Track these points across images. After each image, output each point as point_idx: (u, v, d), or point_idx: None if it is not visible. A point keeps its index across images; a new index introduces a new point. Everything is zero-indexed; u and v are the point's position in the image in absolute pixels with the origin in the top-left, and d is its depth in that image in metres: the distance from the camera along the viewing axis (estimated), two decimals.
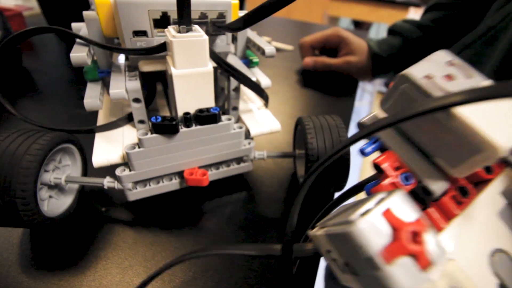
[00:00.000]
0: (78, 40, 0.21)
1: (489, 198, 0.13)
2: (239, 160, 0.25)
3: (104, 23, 0.20)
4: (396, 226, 0.09)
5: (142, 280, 0.15)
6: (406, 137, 0.13)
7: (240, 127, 0.23)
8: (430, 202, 0.12)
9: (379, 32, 2.04)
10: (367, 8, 1.79)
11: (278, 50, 0.61)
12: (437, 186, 0.12)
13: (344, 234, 0.09)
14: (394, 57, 0.48)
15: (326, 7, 1.84)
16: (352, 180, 0.16)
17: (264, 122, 0.26)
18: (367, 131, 0.10)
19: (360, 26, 1.97)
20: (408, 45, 0.47)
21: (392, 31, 0.50)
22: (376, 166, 0.13)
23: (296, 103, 0.42)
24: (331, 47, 0.50)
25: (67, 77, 0.43)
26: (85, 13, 0.20)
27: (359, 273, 0.10)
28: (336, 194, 0.26)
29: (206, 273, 0.20)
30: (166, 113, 0.27)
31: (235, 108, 0.26)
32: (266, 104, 0.27)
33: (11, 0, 0.70)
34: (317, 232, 0.12)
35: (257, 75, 0.25)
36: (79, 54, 0.19)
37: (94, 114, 0.26)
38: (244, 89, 0.28)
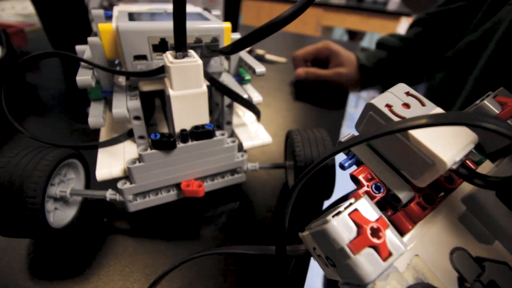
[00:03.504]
0: (82, 63, 0.22)
1: (451, 205, 0.15)
2: (233, 171, 0.27)
3: (107, 47, 0.22)
4: (360, 223, 0.11)
5: (155, 278, 0.17)
6: (378, 153, 0.15)
7: (233, 141, 0.25)
8: (399, 207, 0.14)
9: (372, 41, 2.09)
10: (359, 18, 1.83)
11: (271, 62, 0.63)
12: (404, 195, 0.13)
13: (322, 231, 0.11)
14: (380, 68, 0.50)
15: (319, 18, 1.89)
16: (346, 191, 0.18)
17: (256, 136, 0.28)
18: (340, 147, 0.12)
19: (354, 36, 2.02)
20: (393, 58, 0.50)
21: (379, 44, 0.53)
22: (353, 177, 0.14)
23: (288, 114, 0.44)
24: (322, 59, 0.53)
25: (67, 92, 0.45)
26: (89, 39, 0.22)
27: (336, 264, 0.11)
28: (326, 202, 0.27)
29: (201, 278, 0.21)
30: (164, 127, 0.29)
31: (229, 123, 0.28)
32: (258, 118, 0.29)
33: (12, 16, 0.72)
34: (304, 233, 0.14)
35: (249, 91, 0.27)
36: (84, 78, 0.21)
37: (96, 129, 0.27)
38: (237, 104, 0.30)
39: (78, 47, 0.27)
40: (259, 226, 0.26)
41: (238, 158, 0.26)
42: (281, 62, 0.63)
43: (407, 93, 0.14)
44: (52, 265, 0.21)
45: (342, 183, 0.28)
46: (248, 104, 0.26)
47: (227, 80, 0.27)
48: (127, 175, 0.23)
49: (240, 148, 0.27)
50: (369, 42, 2.10)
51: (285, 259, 0.15)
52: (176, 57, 0.20)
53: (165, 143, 0.21)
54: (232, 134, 0.29)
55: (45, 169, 0.20)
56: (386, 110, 0.13)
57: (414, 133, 0.12)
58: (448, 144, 0.12)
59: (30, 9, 0.74)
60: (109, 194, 0.23)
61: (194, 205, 0.27)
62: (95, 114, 0.22)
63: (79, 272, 0.21)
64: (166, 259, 0.22)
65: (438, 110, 0.14)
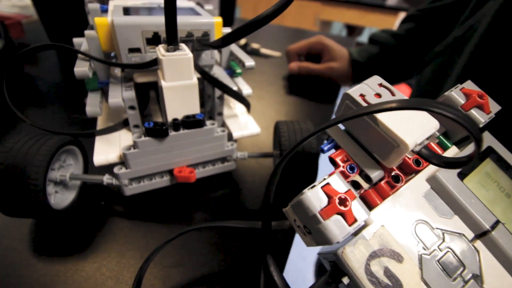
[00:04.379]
0: (80, 55, 0.24)
1: (417, 184, 0.16)
2: (223, 159, 0.29)
3: (103, 40, 0.24)
4: (330, 194, 0.13)
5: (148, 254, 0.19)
6: (353, 138, 0.17)
7: (223, 131, 0.26)
8: (370, 185, 0.16)
9: None
10: (358, 12, 1.83)
11: (266, 56, 0.64)
12: (375, 174, 0.15)
13: (299, 201, 0.13)
14: (372, 63, 0.51)
15: (318, 12, 1.88)
16: None
17: (245, 126, 0.29)
18: (317, 129, 0.14)
19: (352, 31, 2.02)
20: (384, 53, 0.51)
21: (371, 40, 0.54)
22: (330, 159, 0.16)
23: (280, 107, 0.46)
24: (315, 53, 0.54)
25: (64, 84, 0.46)
26: (86, 32, 0.23)
27: (311, 230, 0.13)
28: None
29: (191, 256, 0.23)
30: (159, 117, 0.30)
31: (220, 114, 0.29)
32: (248, 110, 0.30)
33: (8, 8, 0.73)
34: (287, 208, 0.16)
35: (239, 84, 0.29)
36: (82, 69, 0.22)
37: (93, 118, 0.29)
38: (229, 96, 0.31)
39: (76, 40, 0.28)
40: (248, 211, 0.27)
41: (228, 147, 0.27)
42: (275, 56, 0.64)
43: (380, 84, 0.16)
44: (54, 245, 0.23)
45: (325, 171, 0.29)
46: (238, 96, 0.27)
47: (218, 73, 0.29)
48: (123, 161, 0.24)
49: (230, 137, 0.28)
50: (367, 37, 2.10)
51: (270, 232, 0.17)
52: (167, 50, 0.21)
53: (158, 130, 0.22)
54: (223, 125, 0.30)
55: (46, 153, 0.22)
56: (359, 99, 0.15)
57: (382, 118, 0.14)
58: (411, 129, 0.14)
59: (26, 0, 0.74)
60: (106, 178, 0.25)
61: (186, 190, 0.29)
62: (92, 104, 0.24)
63: (78, 249, 0.23)
64: (158, 239, 0.24)
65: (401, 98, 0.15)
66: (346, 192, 0.13)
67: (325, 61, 0.53)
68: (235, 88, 0.27)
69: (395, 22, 1.73)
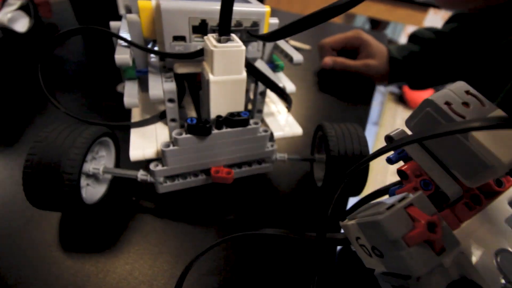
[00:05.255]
0: (120, 41, 0.22)
1: (498, 207, 0.14)
2: (260, 160, 0.27)
3: (145, 26, 0.22)
4: (418, 217, 0.11)
5: (190, 260, 0.17)
6: (428, 150, 0.15)
7: (266, 131, 0.24)
8: (446, 205, 0.14)
9: (395, 32, 2.00)
10: (384, 6, 1.75)
11: (295, 49, 0.61)
12: (452, 193, 0.13)
13: (374, 222, 0.11)
14: (411, 62, 0.48)
15: None
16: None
17: (286, 126, 0.27)
18: (399, 143, 0.12)
19: (377, 25, 1.94)
20: (426, 51, 0.47)
21: (412, 37, 0.50)
22: (400, 172, 0.15)
23: (313, 105, 0.43)
24: (351, 48, 0.51)
25: (91, 68, 0.45)
26: (128, 16, 0.21)
27: (385, 255, 0.12)
28: (352, 199, 0.27)
29: (229, 263, 0.21)
30: (192, 110, 0.28)
31: (260, 111, 0.27)
32: (289, 108, 0.28)
33: None
34: (348, 222, 0.14)
35: (283, 80, 0.26)
36: (123, 56, 0.20)
37: (127, 109, 0.27)
38: (267, 91, 0.29)
39: (113, 23, 0.26)
40: (284, 214, 0.26)
41: (268, 148, 0.25)
42: (305, 49, 0.61)
43: (467, 92, 0.14)
44: (84, 239, 0.22)
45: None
46: (282, 93, 0.25)
47: (262, 67, 0.27)
48: (160, 157, 0.22)
49: (271, 137, 0.26)
50: (392, 32, 2.02)
51: (325, 245, 0.16)
52: (219, 41, 0.19)
53: (200, 128, 0.21)
54: (262, 123, 0.28)
55: (82, 146, 0.20)
56: (445, 108, 0.13)
57: (475, 133, 0.12)
58: (508, 147, 0.11)
59: None
60: (141, 174, 0.23)
61: (219, 190, 0.27)
62: (131, 94, 0.22)
63: (108, 247, 0.22)
64: (193, 243, 0.22)
65: (499, 111, 0.13)
66: (433, 216, 0.11)
67: (362, 57, 0.49)
68: (280, 85, 0.25)
69: (423, 19, 1.64)
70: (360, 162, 0.14)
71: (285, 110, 0.29)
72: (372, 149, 0.26)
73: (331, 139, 0.24)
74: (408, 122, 0.16)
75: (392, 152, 0.16)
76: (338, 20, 1.83)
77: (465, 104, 0.13)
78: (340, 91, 0.48)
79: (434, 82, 0.50)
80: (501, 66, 0.39)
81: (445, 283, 0.12)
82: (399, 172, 0.15)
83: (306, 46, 0.62)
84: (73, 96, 0.37)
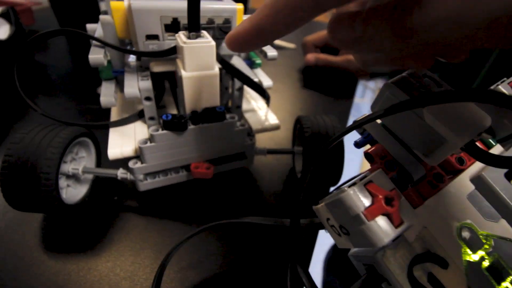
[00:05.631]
0: (94, 42, 0.22)
1: (460, 184, 0.15)
2: (241, 155, 0.27)
3: (119, 26, 0.22)
4: (376, 193, 0.12)
5: (166, 252, 0.18)
6: (391, 132, 0.15)
7: (243, 125, 0.25)
8: (410, 184, 0.14)
9: None
10: None
11: (280, 48, 0.62)
12: (416, 172, 0.14)
13: (338, 200, 0.12)
14: None
15: None
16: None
17: (265, 120, 0.28)
18: (357, 123, 0.12)
19: None
20: None
21: None
22: (367, 155, 0.15)
23: (296, 101, 0.44)
24: (332, 45, 0.52)
25: (75, 72, 0.45)
26: (101, 17, 0.22)
27: (350, 231, 0.12)
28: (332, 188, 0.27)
29: (210, 256, 0.22)
30: (173, 109, 0.29)
31: (239, 107, 0.28)
32: (268, 103, 0.29)
33: None
34: (318, 205, 0.15)
35: (259, 76, 0.27)
36: (97, 56, 0.21)
37: (106, 109, 0.27)
38: (247, 88, 0.29)
39: (89, 26, 0.27)
40: (266, 208, 0.26)
41: (247, 141, 0.26)
42: (290, 48, 0.62)
43: (424, 75, 0.14)
44: (65, 240, 0.22)
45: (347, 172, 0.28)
46: (259, 88, 0.25)
47: (238, 63, 0.27)
48: (138, 155, 0.23)
49: (249, 132, 0.27)
50: None
51: (299, 231, 0.16)
52: (189, 37, 0.19)
53: (176, 124, 0.21)
54: (241, 118, 0.29)
55: (59, 146, 0.20)
56: (403, 90, 0.13)
57: (429, 110, 0.12)
58: (461, 123, 0.12)
59: None
60: (120, 173, 0.23)
61: (201, 186, 0.27)
62: (107, 94, 0.22)
63: (91, 247, 0.22)
64: (174, 237, 0.23)
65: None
66: (391, 191, 0.12)
67: (344, 53, 0.50)
68: (255, 80, 0.25)
69: None
70: (325, 143, 0.14)
71: (265, 106, 0.30)
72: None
73: (306, 130, 0.24)
74: (372, 108, 0.16)
75: (360, 137, 0.17)
76: (326, 19, 1.85)
77: (423, 86, 0.14)
78: (324, 86, 0.48)
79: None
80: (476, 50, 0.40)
81: (410, 257, 0.13)
82: (366, 154, 0.15)
83: (291, 45, 0.63)
84: (57, 101, 0.38)
